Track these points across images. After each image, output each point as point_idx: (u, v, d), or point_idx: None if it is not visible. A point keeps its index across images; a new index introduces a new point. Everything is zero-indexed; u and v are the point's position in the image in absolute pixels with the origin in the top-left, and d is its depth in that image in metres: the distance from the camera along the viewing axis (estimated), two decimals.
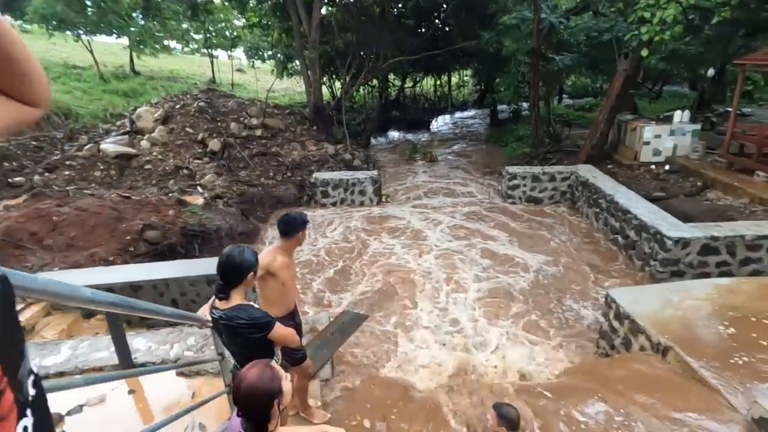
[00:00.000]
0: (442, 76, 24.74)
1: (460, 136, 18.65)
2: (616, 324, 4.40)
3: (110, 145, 9.71)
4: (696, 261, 5.89)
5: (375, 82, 19.83)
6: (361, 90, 19.28)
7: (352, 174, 10.23)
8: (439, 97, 25.51)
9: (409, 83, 23.59)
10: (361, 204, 10.03)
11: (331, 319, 4.80)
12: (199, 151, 10.33)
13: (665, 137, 9.92)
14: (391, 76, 21.46)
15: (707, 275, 5.73)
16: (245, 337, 2.21)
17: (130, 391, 3.43)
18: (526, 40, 11.50)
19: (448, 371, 4.59)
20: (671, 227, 6.05)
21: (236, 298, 2.23)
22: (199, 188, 8.92)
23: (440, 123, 22.40)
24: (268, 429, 1.64)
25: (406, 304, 5.95)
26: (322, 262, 7.31)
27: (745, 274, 5.78)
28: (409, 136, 19.03)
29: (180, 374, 3.65)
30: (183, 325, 4.33)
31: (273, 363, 1.77)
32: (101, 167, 9.33)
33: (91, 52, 18.57)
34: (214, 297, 2.30)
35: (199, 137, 10.52)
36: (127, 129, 10.39)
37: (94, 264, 5.84)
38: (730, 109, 9.47)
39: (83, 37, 19.04)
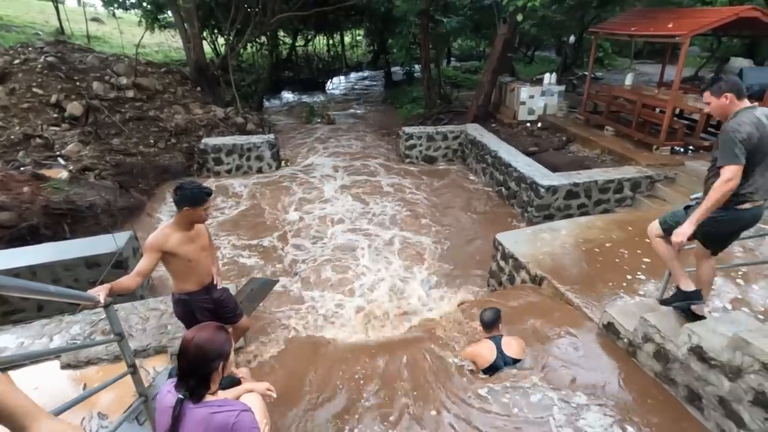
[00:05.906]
0: (335, 35, 23.99)
1: (357, 97, 18.57)
2: (502, 263, 5.02)
3: None
4: (562, 204, 6.90)
5: (264, 39, 18.47)
6: (248, 48, 17.83)
7: (247, 139, 9.63)
8: (333, 57, 24.81)
9: (300, 42, 22.44)
10: (260, 170, 9.57)
11: (238, 288, 4.65)
12: (55, 116, 8.73)
13: (537, 98, 11.09)
14: (282, 34, 20.16)
15: (571, 216, 6.76)
16: None
17: None
18: (416, 0, 11.66)
19: (361, 323, 4.82)
20: (543, 177, 6.96)
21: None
22: (61, 160, 7.63)
23: (336, 84, 21.98)
24: (210, 389, 1.60)
25: (316, 267, 6.01)
26: (222, 232, 6.94)
27: (598, 212, 6.97)
28: (305, 97, 18.40)
29: (66, 366, 3.27)
30: (62, 313, 3.83)
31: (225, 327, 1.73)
32: None
33: None
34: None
35: (53, 99, 8.86)
36: None
37: None
38: (587, 73, 10.89)
39: None
